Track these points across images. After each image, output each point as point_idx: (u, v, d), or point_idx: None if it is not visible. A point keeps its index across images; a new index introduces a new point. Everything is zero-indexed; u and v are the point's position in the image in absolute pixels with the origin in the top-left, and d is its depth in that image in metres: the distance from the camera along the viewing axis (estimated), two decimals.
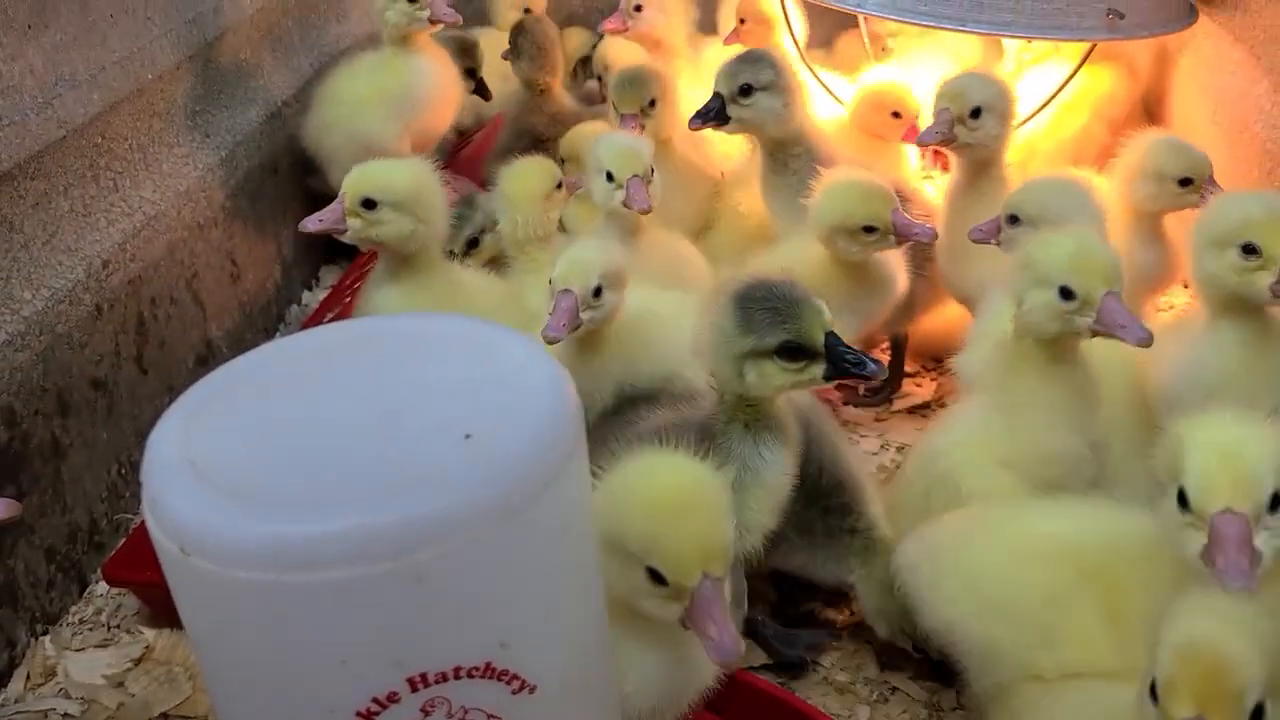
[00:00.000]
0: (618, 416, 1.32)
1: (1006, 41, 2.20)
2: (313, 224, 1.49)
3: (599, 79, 2.31)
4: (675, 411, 1.22)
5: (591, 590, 0.78)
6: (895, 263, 1.55)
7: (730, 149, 1.93)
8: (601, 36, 2.37)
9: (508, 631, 0.69)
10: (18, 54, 1.46)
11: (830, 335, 1.07)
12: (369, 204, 1.46)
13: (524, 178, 1.64)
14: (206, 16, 1.95)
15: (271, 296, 2.07)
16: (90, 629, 1.42)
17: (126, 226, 1.63)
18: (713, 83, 1.66)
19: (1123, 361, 1.35)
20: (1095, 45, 1.98)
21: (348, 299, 1.98)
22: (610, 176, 1.54)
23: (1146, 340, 1.12)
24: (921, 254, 1.62)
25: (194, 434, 0.71)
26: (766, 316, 1.07)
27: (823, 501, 1.25)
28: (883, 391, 1.76)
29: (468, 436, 0.68)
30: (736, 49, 2.27)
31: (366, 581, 0.63)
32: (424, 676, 0.67)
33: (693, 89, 2.13)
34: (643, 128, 1.78)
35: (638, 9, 2.26)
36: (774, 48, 2.21)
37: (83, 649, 1.39)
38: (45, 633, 1.41)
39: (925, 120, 1.73)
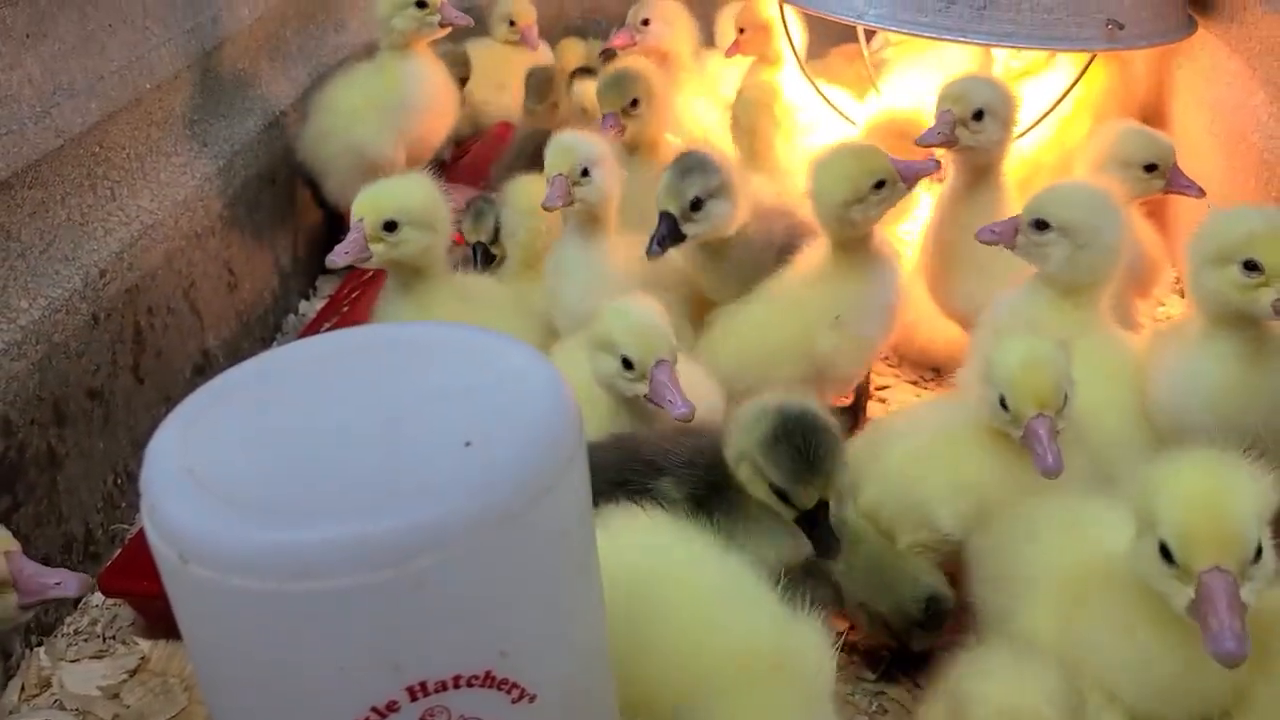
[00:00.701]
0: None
1: (995, 51, 2.20)
2: (340, 258, 1.47)
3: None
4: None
5: (592, 597, 0.78)
6: (890, 244, 1.56)
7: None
8: (609, 53, 2.38)
9: (507, 639, 0.69)
10: (16, 63, 1.46)
11: (822, 505, 1.10)
12: (390, 226, 1.46)
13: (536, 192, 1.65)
14: (205, 26, 1.95)
15: (269, 306, 2.07)
16: (85, 640, 1.42)
17: (124, 236, 1.63)
18: (659, 199, 1.49)
19: (1120, 368, 1.35)
20: (1095, 56, 1.99)
21: (345, 309, 1.97)
22: (587, 171, 1.54)
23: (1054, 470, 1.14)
24: None
25: (193, 442, 0.71)
26: (787, 458, 1.09)
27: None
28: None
29: (468, 444, 0.68)
30: (739, 60, 2.30)
31: (366, 589, 0.63)
32: (423, 685, 0.66)
33: (697, 101, 2.14)
34: (623, 129, 1.78)
35: (645, 23, 2.27)
36: (772, 54, 2.23)
37: (78, 660, 1.39)
38: (40, 644, 1.40)
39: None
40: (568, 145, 1.54)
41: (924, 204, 2.02)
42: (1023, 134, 2.00)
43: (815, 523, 1.10)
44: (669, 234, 1.48)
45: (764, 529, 1.14)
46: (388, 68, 2.05)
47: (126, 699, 1.33)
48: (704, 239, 1.53)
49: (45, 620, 1.41)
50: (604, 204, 1.55)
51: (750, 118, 1.89)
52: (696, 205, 1.48)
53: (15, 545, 1.05)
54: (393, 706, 0.66)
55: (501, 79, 2.50)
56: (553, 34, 2.84)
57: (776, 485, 1.10)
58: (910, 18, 1.86)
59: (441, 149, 2.26)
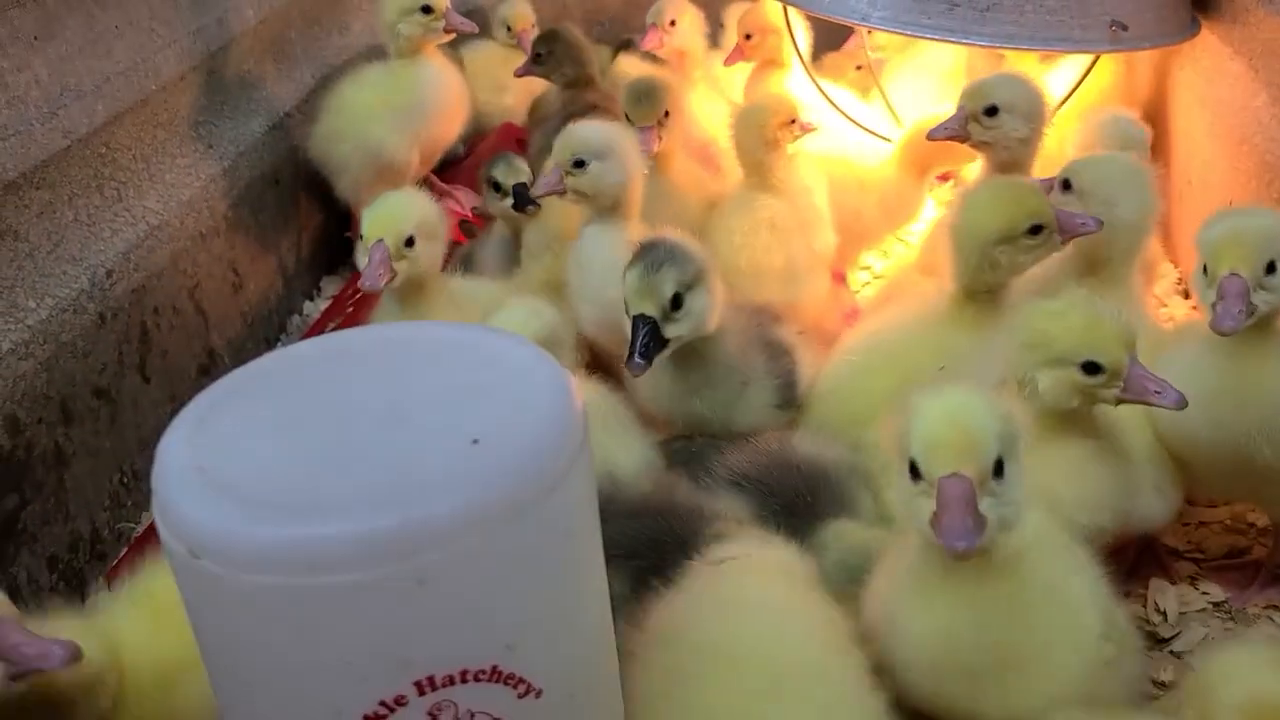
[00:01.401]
0: None
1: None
2: (372, 280, 1.42)
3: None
4: None
5: (597, 592, 0.79)
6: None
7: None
8: (626, 43, 2.38)
9: (514, 633, 0.69)
10: (24, 65, 1.47)
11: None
12: (410, 242, 1.46)
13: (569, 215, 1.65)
14: (210, 28, 1.96)
15: (273, 306, 2.08)
16: None
17: (130, 236, 1.63)
18: (628, 302, 1.29)
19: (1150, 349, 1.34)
20: (1099, 57, 1.99)
21: (349, 309, 1.98)
22: (581, 163, 1.50)
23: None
24: None
25: (203, 440, 0.71)
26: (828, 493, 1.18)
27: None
28: None
29: (475, 441, 0.69)
30: (740, 67, 2.29)
31: (374, 584, 0.64)
32: (430, 679, 0.67)
33: (705, 101, 2.13)
34: (660, 138, 1.72)
35: (672, 24, 2.27)
36: (779, 58, 2.22)
37: None
38: None
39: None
40: (564, 136, 1.52)
41: (926, 205, 2.03)
42: None
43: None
44: (652, 341, 1.25)
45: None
46: (401, 71, 2.04)
47: None
48: (685, 340, 1.30)
49: None
50: (608, 195, 1.51)
51: (760, 133, 1.81)
52: (678, 303, 1.26)
53: (11, 611, 0.93)
54: (401, 701, 0.67)
55: (502, 81, 2.49)
56: None
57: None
58: (914, 19, 1.86)
59: (452, 149, 2.26)
